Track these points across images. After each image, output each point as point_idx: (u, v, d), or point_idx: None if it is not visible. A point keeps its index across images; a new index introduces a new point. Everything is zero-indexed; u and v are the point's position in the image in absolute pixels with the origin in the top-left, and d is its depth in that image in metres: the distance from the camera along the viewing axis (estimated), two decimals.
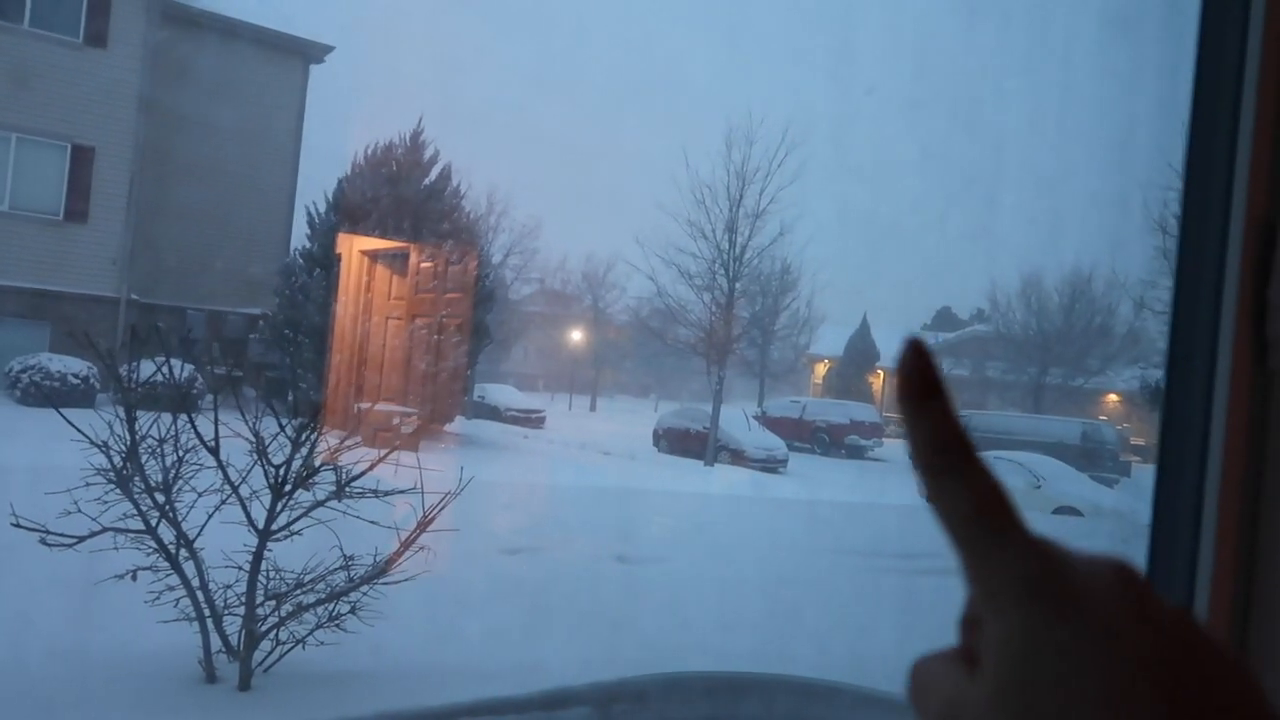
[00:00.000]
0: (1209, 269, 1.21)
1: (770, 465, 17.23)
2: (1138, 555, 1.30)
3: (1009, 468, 14.18)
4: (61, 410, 4.45)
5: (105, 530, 4.22)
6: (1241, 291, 1.18)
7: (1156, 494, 1.26)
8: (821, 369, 27.91)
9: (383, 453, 4.65)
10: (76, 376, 12.35)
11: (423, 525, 4.54)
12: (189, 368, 5.89)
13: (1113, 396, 21.77)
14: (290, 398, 12.94)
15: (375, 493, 4.50)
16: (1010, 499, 0.36)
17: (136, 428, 4.44)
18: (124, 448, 4.37)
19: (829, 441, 20.44)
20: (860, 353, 26.20)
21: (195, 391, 5.45)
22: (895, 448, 20.80)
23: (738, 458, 17.23)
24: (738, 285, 18.67)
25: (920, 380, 0.38)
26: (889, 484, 16.95)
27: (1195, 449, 1.21)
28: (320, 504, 4.47)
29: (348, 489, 4.45)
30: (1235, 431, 1.17)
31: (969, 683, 0.36)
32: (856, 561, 8.65)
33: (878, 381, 27.19)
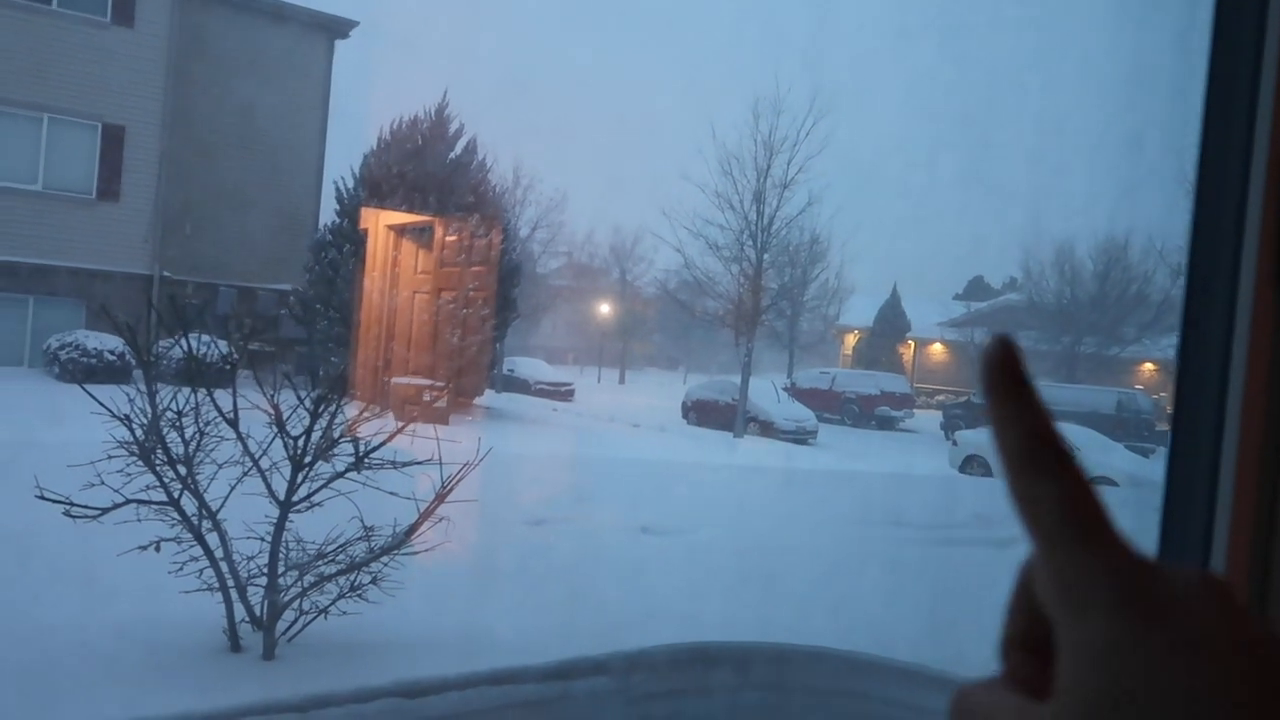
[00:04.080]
0: (1229, 213, 1.14)
1: (800, 437, 17.15)
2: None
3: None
4: (97, 386, 4.49)
5: (128, 502, 4.25)
6: (1264, 235, 1.11)
7: (1172, 452, 1.20)
8: (851, 340, 27.71)
9: (401, 425, 4.65)
10: (112, 353, 12.52)
11: (441, 496, 4.54)
12: (220, 344, 5.94)
13: (1149, 365, 21.42)
14: (320, 372, 13.04)
15: (394, 464, 4.50)
16: (1104, 504, 0.35)
17: (158, 401, 4.46)
18: (145, 421, 4.40)
19: (859, 412, 20.31)
20: (890, 323, 25.98)
21: (226, 368, 5.48)
22: (926, 418, 20.64)
23: (767, 429, 17.17)
24: (766, 256, 18.52)
25: (1009, 376, 0.36)
26: (920, 454, 16.82)
27: (1213, 403, 1.14)
28: (340, 475, 4.48)
29: (367, 460, 4.45)
30: (1255, 381, 1.10)
31: (1040, 709, 0.34)
32: (885, 531, 8.59)
33: (908, 352, 26.96)
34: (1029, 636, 0.37)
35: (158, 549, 4.29)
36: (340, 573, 4.47)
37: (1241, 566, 1.11)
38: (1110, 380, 20.04)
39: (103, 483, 4.20)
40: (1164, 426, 17.59)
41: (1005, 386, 0.36)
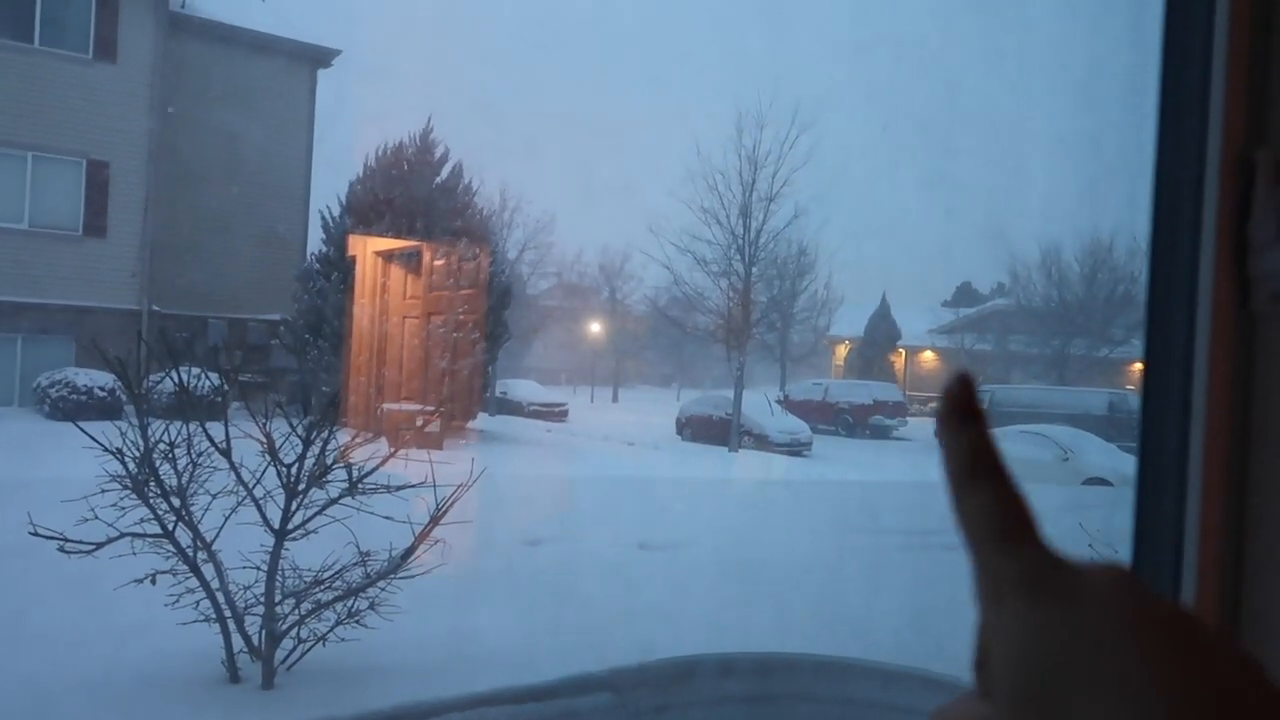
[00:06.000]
0: (1187, 209, 1.17)
1: (795, 448, 17.17)
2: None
3: (1036, 441, 14.06)
4: (88, 422, 4.50)
5: (123, 535, 4.25)
6: (1220, 230, 1.14)
7: (1142, 446, 1.22)
8: (843, 350, 27.77)
9: (393, 450, 4.65)
10: (103, 389, 12.49)
11: (436, 519, 4.54)
12: (211, 376, 5.93)
13: (1139, 365, 21.47)
14: (312, 400, 13.02)
15: (388, 488, 4.50)
16: (1030, 511, 0.37)
17: (150, 434, 4.47)
18: (137, 454, 4.40)
19: (853, 422, 20.34)
20: (881, 332, 26.03)
21: (218, 400, 5.49)
22: (920, 426, 20.66)
23: (762, 442, 17.18)
24: (754, 270, 18.60)
25: (960, 406, 0.40)
26: (915, 462, 16.84)
27: (1179, 396, 1.17)
28: (334, 501, 4.48)
29: (360, 486, 4.46)
30: (1218, 375, 1.13)
31: (987, 704, 0.36)
32: (879, 539, 8.60)
33: (900, 360, 27.02)
34: None
35: (153, 582, 4.29)
36: (337, 599, 4.47)
37: (1213, 557, 1.14)
38: (1101, 381, 20.12)
39: (96, 517, 4.20)
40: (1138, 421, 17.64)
41: (955, 415, 0.39)
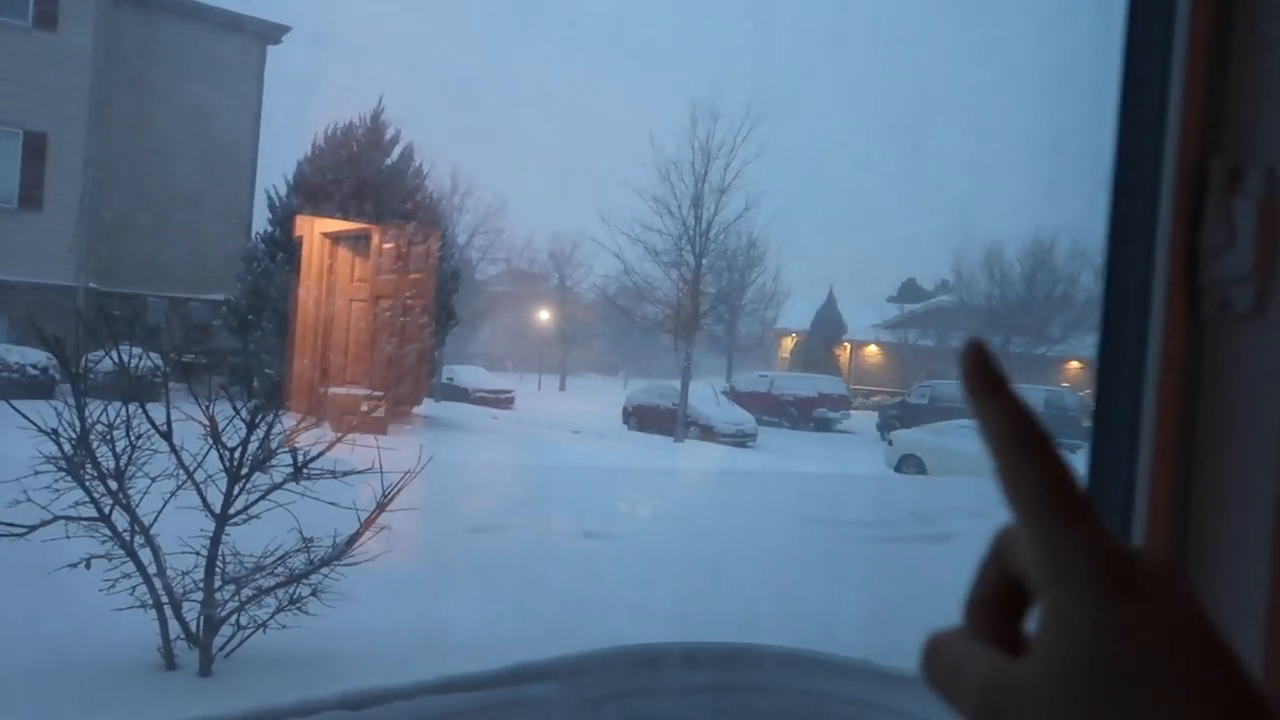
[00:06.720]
0: (1142, 216, 1.20)
1: (740, 440, 17.29)
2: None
3: (974, 435, 14.28)
4: (20, 402, 4.35)
5: (57, 519, 4.13)
6: (1173, 239, 1.17)
7: (1093, 447, 1.25)
8: (789, 343, 28.00)
9: (340, 435, 4.59)
10: (35, 367, 12.13)
11: (382, 505, 4.49)
12: (153, 356, 5.79)
13: (1074, 364, 22.03)
14: (254, 383, 12.78)
15: (334, 474, 4.44)
16: (1082, 486, 0.38)
17: (87, 415, 4.35)
18: (74, 435, 4.28)
19: (797, 415, 20.54)
20: (827, 326, 26.30)
21: (157, 380, 5.35)
22: (863, 419, 20.95)
23: (707, 433, 17.27)
24: (704, 261, 18.67)
25: (986, 374, 0.40)
26: (857, 455, 17.07)
27: (1130, 399, 1.20)
28: (278, 486, 4.41)
29: (305, 471, 4.39)
30: (1170, 379, 1.16)
31: (1014, 665, 0.37)
32: (824, 531, 8.70)
33: (845, 354, 27.34)
34: (999, 596, 0.40)
35: (88, 566, 4.18)
36: (279, 585, 4.40)
37: (1159, 545, 1.17)
38: (1038, 378, 20.56)
39: (29, 499, 4.08)
40: (1090, 423, 18.11)
41: (985, 381, 0.40)
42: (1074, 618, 0.36)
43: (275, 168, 15.76)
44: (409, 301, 13.39)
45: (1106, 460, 1.23)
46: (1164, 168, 1.17)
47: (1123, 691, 0.34)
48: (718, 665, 3.36)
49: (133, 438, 4.38)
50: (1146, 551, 0.37)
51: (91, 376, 4.75)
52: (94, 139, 15.05)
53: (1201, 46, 1.14)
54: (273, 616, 4.37)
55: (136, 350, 5.13)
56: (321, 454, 4.50)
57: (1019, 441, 0.38)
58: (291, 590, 4.39)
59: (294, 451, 4.46)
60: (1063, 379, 21.47)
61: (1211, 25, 1.14)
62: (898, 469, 14.43)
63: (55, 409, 4.35)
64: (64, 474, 4.27)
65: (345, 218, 14.08)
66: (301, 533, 4.43)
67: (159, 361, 5.75)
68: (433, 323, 14.15)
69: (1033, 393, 18.92)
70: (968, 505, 9.11)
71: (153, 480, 4.38)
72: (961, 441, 13.65)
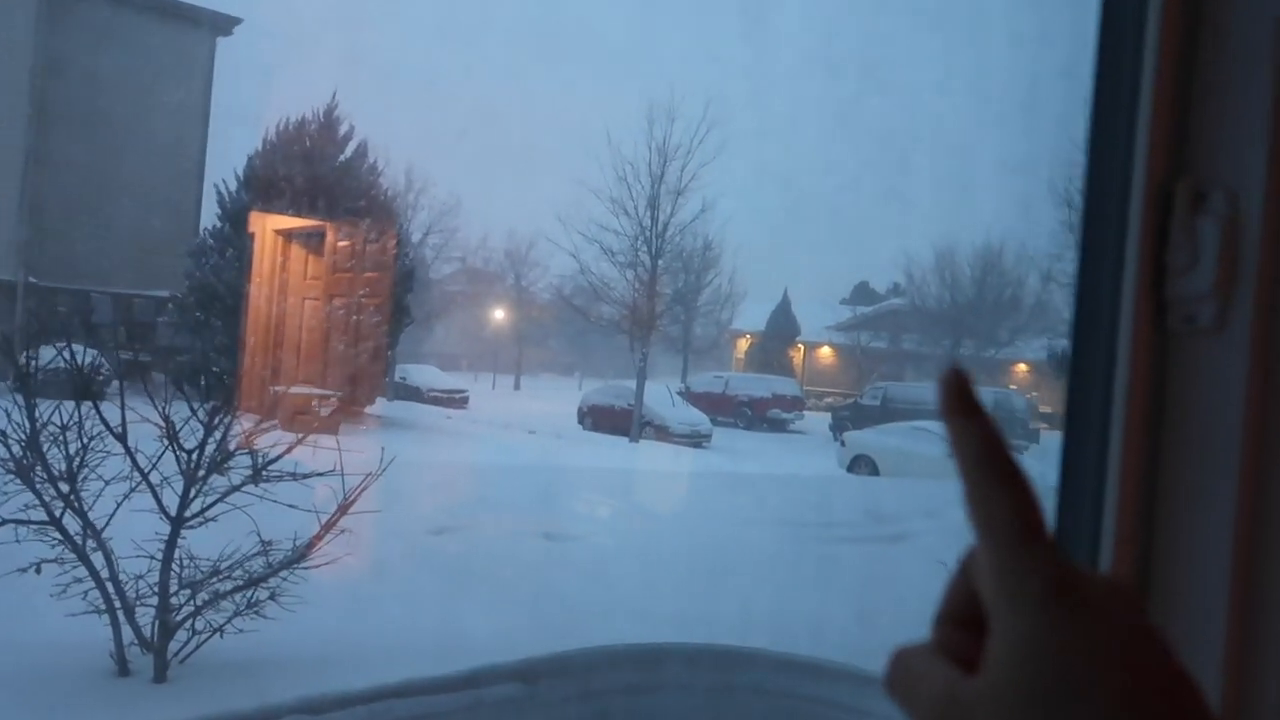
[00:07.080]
0: (1111, 235, 1.25)
1: (695, 440, 17.37)
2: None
3: (927, 437, 14.54)
4: None
5: (5, 523, 4.05)
6: (1142, 256, 1.22)
7: (1064, 454, 1.30)
8: (744, 344, 28.18)
9: (300, 436, 4.54)
10: None
11: (343, 508, 4.46)
12: (93, 353, 5.66)
13: (1022, 366, 22.46)
14: (202, 382, 12.54)
15: (293, 476, 4.40)
16: (1043, 511, 0.39)
17: (36, 415, 4.25)
18: (23, 436, 4.19)
19: (751, 415, 20.68)
20: (782, 327, 26.51)
21: (101, 378, 5.24)
22: (815, 420, 21.15)
23: (662, 434, 17.33)
24: (660, 262, 18.71)
25: (963, 397, 0.42)
26: (810, 455, 17.24)
27: (1099, 409, 1.25)
28: (236, 489, 4.35)
29: (264, 473, 4.34)
30: (1137, 390, 1.21)
31: (965, 680, 0.38)
32: (779, 531, 8.78)
33: (799, 356, 27.58)
34: (963, 615, 0.42)
35: (38, 571, 4.09)
36: (236, 589, 4.34)
37: (1128, 552, 1.22)
38: (987, 380, 20.93)
39: None
40: (1036, 424, 18.49)
41: (961, 404, 0.41)
42: (1018, 632, 0.37)
43: (225, 162, 15.48)
44: (363, 300, 13.25)
45: (1077, 463, 1.28)
46: (1133, 189, 1.22)
47: (1064, 706, 0.35)
48: (663, 663, 3.38)
49: (85, 439, 4.30)
50: (1098, 572, 0.39)
51: (38, 376, 4.65)
52: (35, 130, 14.67)
53: (1169, 76, 1.20)
54: (229, 621, 4.32)
55: (78, 348, 5.01)
56: (281, 456, 4.45)
57: (987, 465, 0.40)
58: (249, 594, 4.33)
59: (253, 453, 4.40)
60: (1011, 381, 21.88)
61: (1177, 58, 1.20)
62: (850, 469, 14.60)
63: (4, 409, 4.26)
64: (13, 476, 4.18)
65: (298, 214, 13.89)
66: (260, 536, 4.38)
67: (104, 360, 5.63)
68: (387, 322, 14.03)
69: (982, 394, 19.24)
70: (921, 506, 9.25)
71: (106, 483, 4.30)
72: (914, 443, 13.85)
